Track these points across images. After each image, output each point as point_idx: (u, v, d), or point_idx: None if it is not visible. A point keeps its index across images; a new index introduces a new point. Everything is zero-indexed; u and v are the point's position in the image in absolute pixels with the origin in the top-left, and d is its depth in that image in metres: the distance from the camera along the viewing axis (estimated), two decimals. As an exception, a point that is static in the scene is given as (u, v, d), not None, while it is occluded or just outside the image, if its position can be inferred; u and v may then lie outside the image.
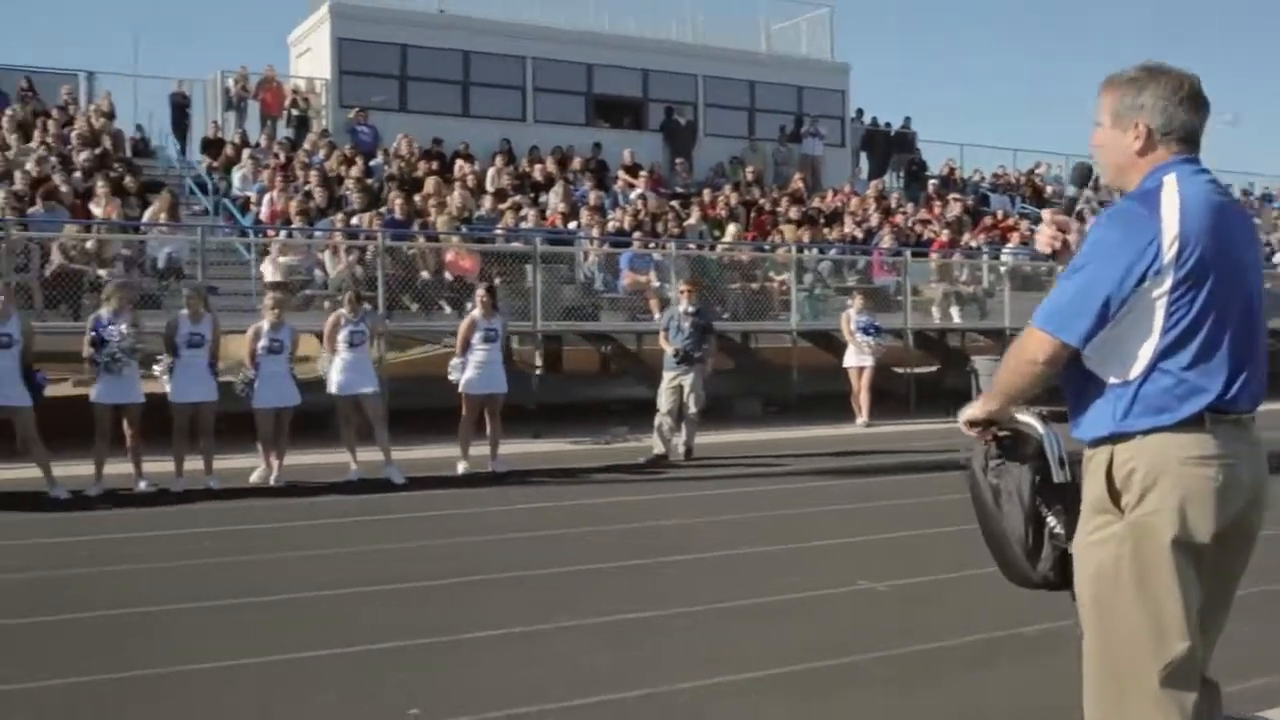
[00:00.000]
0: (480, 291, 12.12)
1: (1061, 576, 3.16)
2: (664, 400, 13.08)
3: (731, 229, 20.68)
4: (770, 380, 18.95)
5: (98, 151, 18.37)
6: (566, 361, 20.18)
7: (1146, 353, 2.92)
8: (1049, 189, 27.38)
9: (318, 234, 16.71)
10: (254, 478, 11.16)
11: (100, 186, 16.23)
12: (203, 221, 17.72)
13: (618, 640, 6.02)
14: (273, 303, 11.25)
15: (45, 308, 13.74)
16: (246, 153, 19.88)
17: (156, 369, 10.89)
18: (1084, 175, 3.81)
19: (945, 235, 22.42)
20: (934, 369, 20.41)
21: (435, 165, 20.86)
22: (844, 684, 5.28)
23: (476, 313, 12.01)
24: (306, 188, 18.17)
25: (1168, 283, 2.87)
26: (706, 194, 22.22)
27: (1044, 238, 3.29)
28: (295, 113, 22.09)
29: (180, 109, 22.41)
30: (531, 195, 20.58)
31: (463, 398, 11.88)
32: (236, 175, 19.23)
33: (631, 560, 7.98)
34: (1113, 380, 2.99)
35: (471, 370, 11.84)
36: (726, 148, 25.33)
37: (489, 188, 20.37)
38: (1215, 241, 2.89)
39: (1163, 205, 2.89)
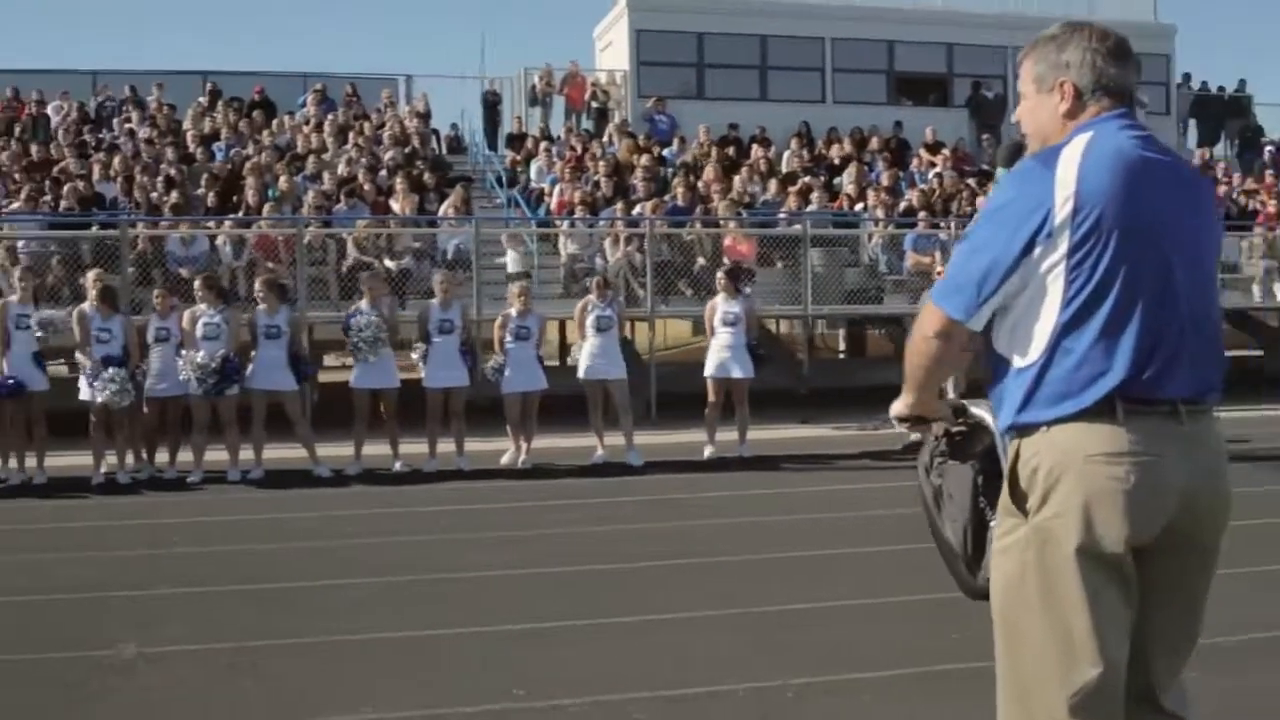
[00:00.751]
0: (720, 275, 12.02)
1: None
2: (921, 385, 12.57)
3: (1032, 205, 19.62)
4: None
5: (406, 150, 19.46)
6: (854, 346, 19.74)
7: (1045, 330, 2.56)
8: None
9: (601, 222, 17.09)
10: (503, 460, 11.54)
11: (399, 183, 17.19)
12: (496, 214, 18.49)
13: (755, 630, 5.89)
14: (519, 291, 11.59)
15: (340, 298, 14.70)
16: (544, 145, 20.56)
17: (414, 355, 11.49)
18: (1013, 154, 3.42)
19: (1274, 207, 20.41)
20: (1255, 352, 18.72)
21: (732, 151, 20.90)
22: (961, 689, 4.93)
23: (718, 297, 11.93)
24: (595, 178, 18.62)
25: (1063, 247, 2.50)
26: (1010, 170, 21.18)
27: None
28: (595, 105, 22.68)
29: (491, 106, 23.47)
30: (824, 177, 20.27)
31: (707, 382, 11.85)
32: (534, 168, 19.93)
33: (826, 550, 7.77)
34: (1017, 363, 2.64)
35: (713, 355, 11.78)
36: (1039, 121, 24.05)
37: (782, 170, 20.23)
38: (1124, 202, 2.49)
39: (1060, 161, 2.53)
